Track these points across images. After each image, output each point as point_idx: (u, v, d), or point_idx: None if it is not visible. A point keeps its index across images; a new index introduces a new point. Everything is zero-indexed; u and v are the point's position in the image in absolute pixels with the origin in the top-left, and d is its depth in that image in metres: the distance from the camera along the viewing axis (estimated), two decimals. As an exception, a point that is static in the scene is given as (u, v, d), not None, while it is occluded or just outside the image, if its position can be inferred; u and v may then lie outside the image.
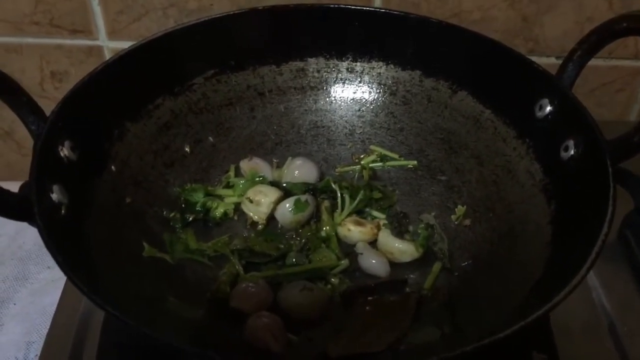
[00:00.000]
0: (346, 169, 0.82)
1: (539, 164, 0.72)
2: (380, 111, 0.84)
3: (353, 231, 0.73)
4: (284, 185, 0.78)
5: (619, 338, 0.70)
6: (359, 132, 0.85)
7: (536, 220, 0.68)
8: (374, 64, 0.83)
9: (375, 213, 0.76)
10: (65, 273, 0.53)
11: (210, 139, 0.81)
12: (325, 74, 0.84)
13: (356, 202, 0.75)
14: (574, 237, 0.62)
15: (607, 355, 0.68)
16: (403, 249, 0.72)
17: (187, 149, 0.79)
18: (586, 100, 0.69)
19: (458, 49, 0.78)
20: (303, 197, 0.74)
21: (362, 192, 0.76)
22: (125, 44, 0.75)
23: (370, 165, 0.81)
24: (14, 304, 0.82)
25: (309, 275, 0.69)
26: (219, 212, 0.75)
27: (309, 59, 0.83)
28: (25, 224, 0.58)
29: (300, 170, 0.79)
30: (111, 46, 0.93)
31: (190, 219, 0.75)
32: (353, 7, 0.79)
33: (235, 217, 0.76)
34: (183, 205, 0.75)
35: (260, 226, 0.75)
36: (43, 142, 0.61)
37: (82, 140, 0.66)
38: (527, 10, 0.90)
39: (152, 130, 0.76)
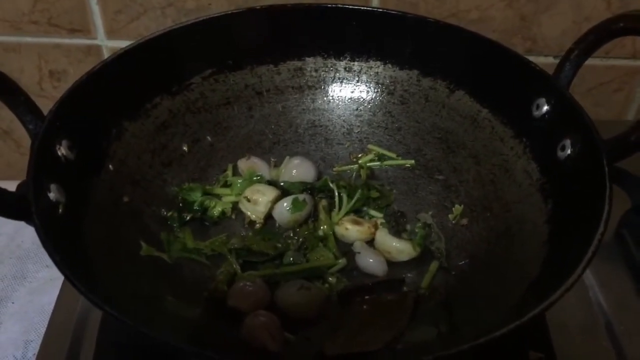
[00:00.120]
0: (344, 168, 0.82)
1: (536, 163, 0.72)
2: (378, 110, 0.84)
3: (350, 230, 0.73)
4: (282, 184, 0.78)
5: (616, 337, 0.70)
6: (356, 131, 0.85)
7: (533, 220, 0.68)
8: (372, 63, 0.83)
9: (372, 212, 0.76)
10: (62, 272, 0.53)
11: (208, 138, 0.81)
12: (323, 73, 0.84)
13: (354, 201, 0.75)
14: (571, 236, 0.62)
15: (604, 354, 0.68)
16: (400, 248, 0.72)
17: (184, 148, 0.79)
18: (584, 100, 0.69)
19: (455, 48, 0.78)
20: (301, 196, 0.75)
21: (359, 191, 0.76)
22: (123, 43, 0.75)
23: (368, 164, 0.81)
24: (13, 303, 0.82)
25: (307, 274, 0.69)
26: (216, 211, 0.76)
27: (307, 59, 0.83)
28: (23, 223, 0.58)
29: (297, 169, 0.79)
30: (110, 45, 0.93)
31: (188, 218, 0.75)
32: (351, 6, 0.80)
33: (233, 216, 0.76)
34: (181, 205, 0.75)
35: (257, 225, 0.75)
36: (40, 141, 0.61)
37: (80, 140, 0.66)
38: (525, 9, 0.90)
39: (150, 129, 0.76)
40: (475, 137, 0.78)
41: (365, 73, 0.84)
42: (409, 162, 0.82)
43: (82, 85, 0.68)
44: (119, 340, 0.67)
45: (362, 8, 0.80)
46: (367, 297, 0.67)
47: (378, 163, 0.82)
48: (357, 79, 0.84)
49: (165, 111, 0.78)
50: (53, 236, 0.55)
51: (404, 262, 0.72)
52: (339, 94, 0.85)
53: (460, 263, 0.71)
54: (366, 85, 0.84)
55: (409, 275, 0.71)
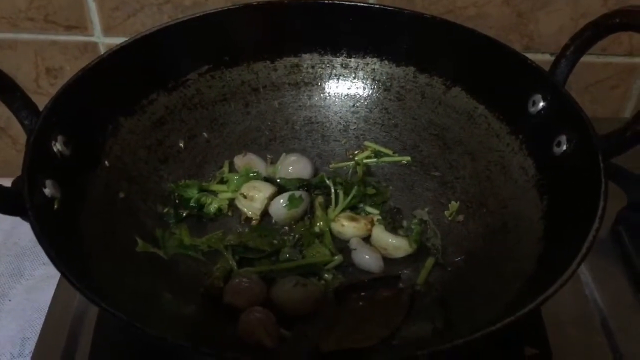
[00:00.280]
0: (340, 164, 0.82)
1: (531, 159, 0.72)
2: (374, 107, 0.84)
3: (347, 227, 0.73)
4: (278, 181, 0.78)
5: (611, 333, 0.70)
6: (353, 128, 0.85)
7: (529, 216, 0.68)
8: (368, 59, 0.83)
9: (369, 209, 0.76)
10: (58, 267, 0.53)
11: (205, 134, 0.81)
12: (319, 69, 0.84)
13: (350, 197, 0.75)
14: (566, 232, 0.62)
15: (599, 350, 0.69)
16: (397, 245, 0.72)
17: (181, 145, 0.79)
18: (581, 97, 0.69)
19: (452, 45, 0.78)
20: (297, 193, 0.75)
21: (356, 188, 0.76)
22: (120, 40, 0.75)
23: (364, 161, 0.81)
24: (9, 300, 0.82)
25: (303, 271, 0.69)
26: (212, 207, 0.76)
27: (303, 55, 0.83)
28: (21, 221, 0.58)
29: (294, 166, 0.79)
30: (106, 42, 0.93)
31: (184, 214, 0.75)
32: (347, 3, 0.80)
33: (229, 213, 0.77)
34: (177, 201, 0.75)
35: (254, 222, 0.75)
36: (36, 136, 0.61)
37: (76, 135, 0.66)
38: (522, 6, 0.90)
39: (146, 125, 0.76)
40: (471, 133, 0.78)
41: (361, 69, 0.84)
42: (405, 159, 0.82)
43: (78, 81, 0.68)
44: (115, 337, 0.67)
45: (359, 4, 0.80)
46: (363, 293, 0.67)
47: (374, 160, 0.82)
48: (353, 75, 0.84)
49: (161, 107, 0.78)
50: (48, 232, 0.55)
51: (400, 259, 0.72)
52: (336, 91, 0.85)
53: (456, 259, 0.71)
54: (363, 82, 0.84)
55: (405, 271, 0.71)
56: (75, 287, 0.52)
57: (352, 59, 0.83)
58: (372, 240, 0.73)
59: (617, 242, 0.78)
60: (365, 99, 0.85)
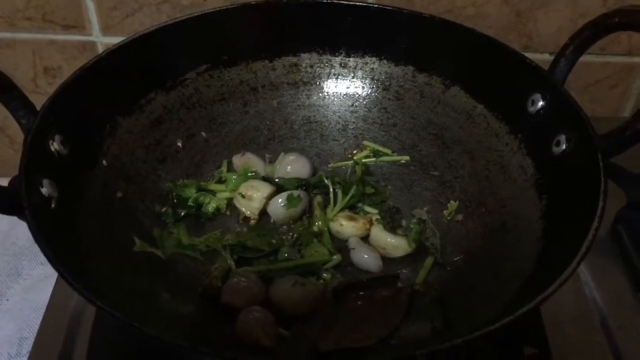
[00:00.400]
0: (339, 164, 0.82)
1: (530, 159, 0.72)
2: (373, 106, 0.84)
3: (345, 226, 0.73)
4: (277, 180, 0.78)
5: (611, 332, 0.70)
6: (351, 127, 0.85)
7: (528, 215, 0.68)
8: (367, 59, 0.83)
9: (367, 208, 0.76)
10: (55, 267, 0.52)
11: (203, 134, 0.81)
12: (318, 69, 0.84)
13: (349, 197, 0.75)
14: (566, 231, 0.62)
15: (599, 350, 0.68)
16: (395, 244, 0.72)
17: (179, 144, 0.79)
18: (580, 97, 0.69)
19: (451, 44, 0.78)
20: (295, 193, 0.74)
21: (354, 187, 0.76)
22: (118, 40, 0.75)
23: (363, 160, 0.81)
24: (7, 300, 0.82)
25: (301, 270, 0.69)
26: (211, 207, 0.75)
27: (302, 54, 0.83)
28: (18, 220, 0.58)
29: (292, 165, 0.79)
30: (105, 41, 0.93)
31: (183, 214, 0.75)
32: (346, 2, 0.79)
33: (228, 212, 0.76)
34: (175, 201, 0.75)
35: (252, 221, 0.75)
36: (33, 136, 0.61)
37: (73, 135, 0.66)
38: (521, 6, 0.90)
39: (144, 125, 0.76)
40: (470, 133, 0.78)
41: (360, 69, 0.83)
42: (404, 158, 0.82)
43: (75, 80, 0.68)
44: (113, 337, 0.67)
45: (358, 4, 0.80)
46: (361, 293, 0.67)
47: (373, 159, 0.82)
48: (352, 74, 0.84)
49: (159, 107, 0.77)
50: (45, 231, 0.55)
51: (398, 258, 0.72)
52: (335, 90, 0.85)
53: (455, 259, 0.71)
54: (361, 81, 0.84)
55: (403, 271, 0.71)
56: (72, 287, 0.52)
57: (351, 59, 0.83)
58: (371, 240, 0.73)
59: (617, 241, 0.78)
60: (364, 99, 0.84)
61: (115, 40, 0.90)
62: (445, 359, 0.52)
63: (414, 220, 0.74)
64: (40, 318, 0.71)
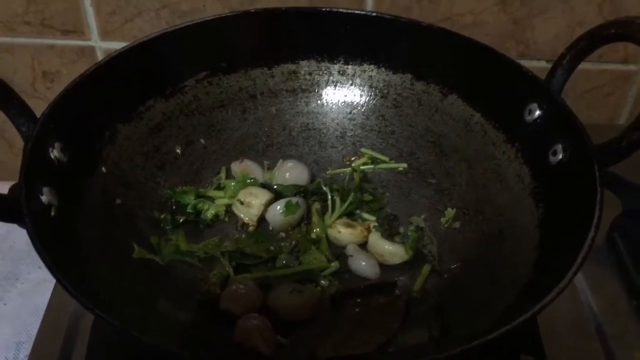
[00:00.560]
0: (337, 171, 0.82)
1: (527, 167, 0.72)
2: (371, 114, 0.84)
3: (343, 233, 0.73)
4: (275, 187, 0.78)
5: (607, 339, 0.70)
6: (350, 134, 0.85)
7: (525, 224, 0.69)
8: (365, 67, 0.83)
9: (365, 215, 0.77)
10: (54, 275, 0.53)
11: (202, 141, 0.81)
12: (316, 76, 0.84)
13: (346, 204, 0.75)
14: (562, 240, 0.62)
15: (595, 357, 0.69)
16: (393, 251, 0.72)
17: (178, 151, 0.79)
18: (576, 104, 0.70)
19: (449, 52, 0.79)
20: (294, 199, 0.75)
21: (352, 194, 0.76)
22: (117, 45, 0.75)
23: (361, 167, 0.81)
24: (4, 304, 0.82)
25: (299, 277, 0.69)
26: (209, 214, 0.76)
27: (301, 62, 0.83)
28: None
29: (291, 172, 0.79)
30: (103, 47, 0.93)
31: (181, 220, 0.75)
32: (345, 10, 0.80)
33: (226, 219, 0.77)
34: (174, 207, 0.75)
35: (251, 228, 0.75)
36: (33, 144, 0.61)
37: (73, 142, 0.66)
38: (518, 14, 0.90)
39: (143, 131, 0.76)
40: (467, 141, 0.79)
41: (358, 76, 0.84)
42: (402, 166, 0.82)
43: (75, 87, 0.68)
44: (111, 341, 0.67)
45: (356, 12, 0.80)
46: (359, 300, 0.68)
47: (371, 166, 0.82)
48: (350, 82, 0.84)
49: (158, 114, 0.78)
50: (45, 239, 0.55)
51: (396, 265, 0.72)
52: (333, 97, 0.85)
53: (453, 266, 0.71)
54: (360, 89, 0.84)
55: (401, 278, 0.71)
56: (71, 295, 0.52)
57: (350, 66, 0.83)
58: (369, 247, 0.73)
59: (613, 249, 0.78)
60: (362, 106, 0.85)
61: (114, 45, 0.90)
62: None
63: (412, 227, 0.74)
64: (38, 322, 0.71)
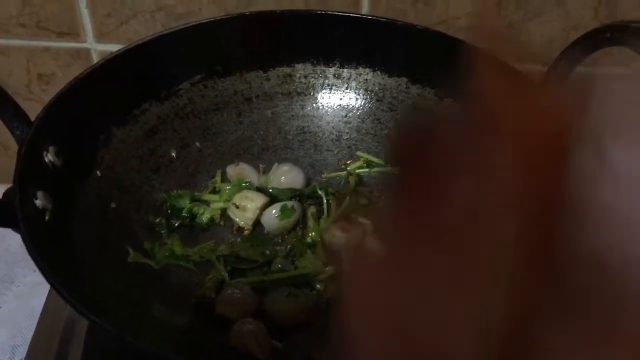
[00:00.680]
0: (332, 175, 0.82)
1: (522, 172, 0.72)
2: (366, 117, 0.84)
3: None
4: (270, 191, 0.78)
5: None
6: (345, 138, 0.85)
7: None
8: (361, 70, 0.83)
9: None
10: (49, 280, 0.52)
11: (197, 144, 0.81)
12: (312, 79, 0.84)
13: (342, 208, 0.75)
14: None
15: None
16: (389, 255, 0.72)
17: (173, 154, 0.79)
18: (571, 108, 0.69)
19: (444, 56, 0.78)
20: (289, 203, 0.75)
21: (348, 198, 0.76)
22: (112, 47, 0.75)
23: (357, 171, 0.81)
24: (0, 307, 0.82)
25: (295, 281, 0.69)
26: (205, 217, 0.75)
27: (296, 65, 0.83)
28: (10, 226, 0.58)
29: (286, 176, 0.79)
30: (99, 49, 0.93)
31: (177, 224, 0.75)
32: (340, 13, 0.80)
33: (222, 223, 0.76)
34: (169, 211, 0.75)
35: (246, 232, 0.75)
36: (27, 147, 0.61)
37: (67, 146, 0.66)
38: (514, 17, 0.90)
39: (138, 135, 0.76)
40: (463, 145, 0.79)
41: (354, 80, 0.84)
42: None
43: (69, 90, 0.67)
44: (107, 345, 0.67)
45: (352, 15, 0.80)
46: (355, 303, 0.67)
47: (367, 170, 0.82)
48: (346, 85, 0.84)
49: (153, 117, 0.77)
50: (39, 243, 0.55)
51: (392, 269, 0.72)
52: (328, 101, 0.85)
53: (448, 270, 0.71)
54: (355, 92, 0.84)
55: (396, 282, 0.71)
56: (66, 301, 0.52)
57: (345, 70, 0.83)
58: (364, 251, 0.73)
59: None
60: (358, 109, 0.85)
61: (109, 47, 0.89)
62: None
63: (407, 231, 0.74)
64: (33, 325, 0.71)
